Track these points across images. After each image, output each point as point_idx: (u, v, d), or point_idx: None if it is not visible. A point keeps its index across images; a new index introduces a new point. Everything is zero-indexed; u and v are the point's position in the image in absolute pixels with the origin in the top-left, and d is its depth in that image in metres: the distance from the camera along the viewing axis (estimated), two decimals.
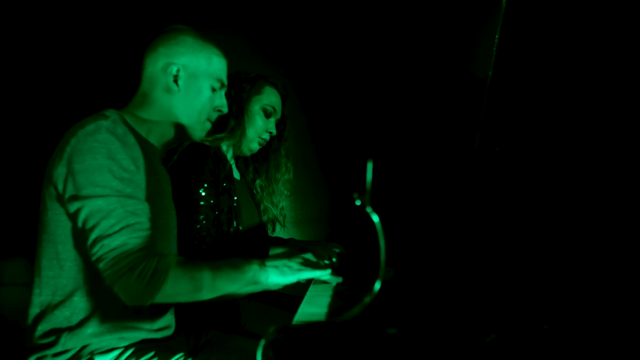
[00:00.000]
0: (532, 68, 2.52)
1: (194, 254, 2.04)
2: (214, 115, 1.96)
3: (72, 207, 1.54)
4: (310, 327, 1.17)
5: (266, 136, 2.46)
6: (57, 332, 1.61)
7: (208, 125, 1.95)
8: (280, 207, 2.66)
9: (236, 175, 2.52)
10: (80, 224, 1.53)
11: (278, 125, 2.55)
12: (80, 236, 1.58)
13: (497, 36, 2.50)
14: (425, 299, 1.59)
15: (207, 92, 1.89)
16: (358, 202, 1.20)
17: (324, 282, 2.06)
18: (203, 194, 2.12)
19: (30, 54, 2.72)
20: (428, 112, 3.27)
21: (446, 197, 2.56)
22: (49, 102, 2.76)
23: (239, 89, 2.41)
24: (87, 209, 1.51)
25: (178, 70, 1.83)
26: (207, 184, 2.14)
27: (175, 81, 1.83)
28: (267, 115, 2.43)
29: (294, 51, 3.46)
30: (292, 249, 2.34)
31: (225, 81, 1.95)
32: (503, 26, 2.51)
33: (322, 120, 3.58)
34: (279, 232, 2.71)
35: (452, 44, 3.16)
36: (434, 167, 3.04)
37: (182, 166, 2.15)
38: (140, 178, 1.62)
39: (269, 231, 2.65)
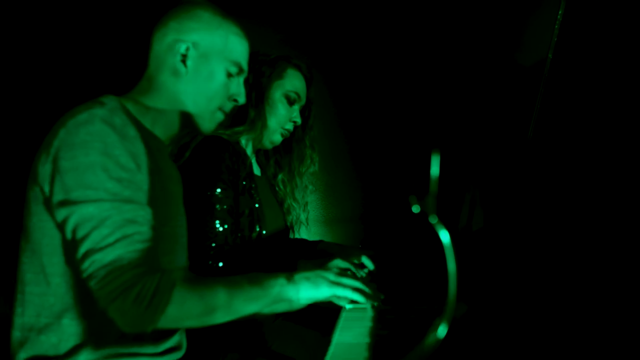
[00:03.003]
0: (600, 51, 2.24)
1: (210, 267, 1.83)
2: (229, 106, 1.70)
3: (60, 213, 1.30)
4: None
5: (290, 126, 2.24)
6: None
7: (219, 116, 1.70)
8: (304, 203, 2.44)
9: (256, 171, 2.30)
10: (69, 234, 1.29)
11: (302, 112, 2.32)
12: (70, 248, 1.33)
13: (560, 12, 2.20)
14: (504, 338, 1.29)
15: (220, 77, 1.64)
16: (416, 209, 0.87)
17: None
18: (220, 196, 1.91)
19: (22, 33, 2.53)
20: (476, 102, 3.07)
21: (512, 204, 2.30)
22: (45, 86, 2.55)
23: (257, 74, 2.19)
24: (76, 216, 1.26)
25: (187, 49, 1.58)
26: (225, 184, 1.93)
27: (184, 62, 1.59)
28: (291, 102, 2.21)
29: (324, 41, 3.34)
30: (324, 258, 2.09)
31: (245, 66, 1.70)
32: (567, 1, 2.23)
33: (355, 114, 3.47)
34: (303, 233, 2.51)
35: (501, 21, 2.97)
36: (488, 165, 2.79)
37: (195, 164, 1.94)
38: (142, 178, 1.37)
39: (293, 233, 2.44)
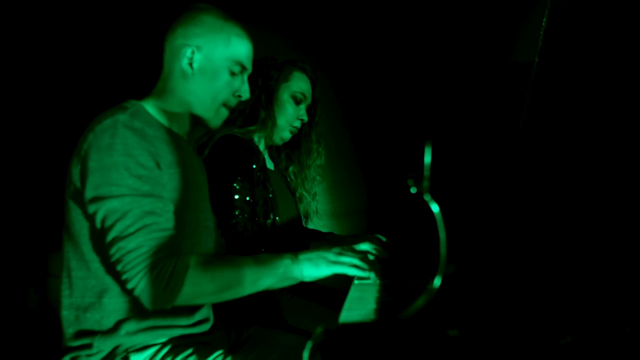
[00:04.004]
0: (580, 54, 2.42)
1: (232, 250, 1.99)
2: (233, 101, 1.82)
3: (90, 208, 1.47)
4: (361, 327, 1.06)
5: (297, 124, 2.40)
6: (89, 335, 1.55)
7: (224, 112, 1.82)
8: (313, 192, 2.59)
9: (270, 165, 2.47)
10: (98, 224, 1.46)
11: (308, 110, 2.46)
12: (101, 237, 1.50)
13: (544, 19, 2.39)
14: (489, 295, 1.47)
15: (224, 76, 1.76)
16: (413, 190, 1.10)
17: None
18: (237, 187, 2.08)
19: (58, 41, 2.69)
20: (471, 100, 3.20)
21: (506, 184, 2.46)
22: (84, 89, 2.72)
23: (266, 77, 2.34)
24: (103, 210, 1.44)
25: (192, 53, 1.71)
26: (241, 177, 2.10)
27: (190, 64, 1.72)
28: (297, 102, 2.37)
29: (330, 45, 3.44)
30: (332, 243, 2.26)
31: (247, 64, 1.81)
32: (550, 10, 2.41)
33: (360, 114, 3.56)
34: (315, 222, 2.67)
35: (495, 29, 3.10)
36: (482, 153, 2.95)
37: (214, 160, 2.10)
38: (160, 174, 1.53)
39: (304, 221, 2.59)
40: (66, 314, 1.58)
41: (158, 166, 1.52)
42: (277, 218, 2.24)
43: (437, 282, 1.07)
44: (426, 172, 1.04)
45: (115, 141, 1.45)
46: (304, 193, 2.54)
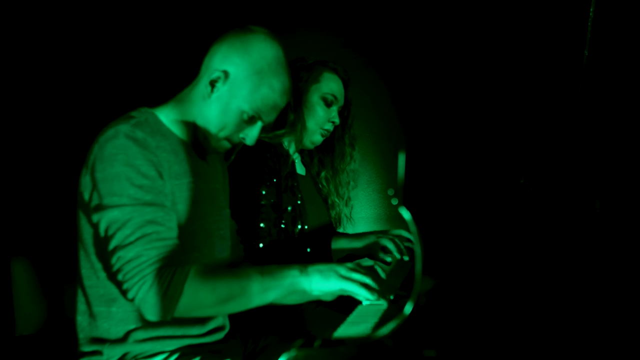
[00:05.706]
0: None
1: (253, 256, 1.98)
2: (236, 139, 1.73)
3: (94, 217, 1.48)
4: (338, 343, 1.01)
5: (329, 126, 2.35)
6: (100, 343, 1.58)
7: (225, 144, 1.74)
8: (346, 198, 2.54)
9: (301, 170, 2.42)
10: (102, 234, 1.47)
11: (341, 112, 2.41)
12: (104, 247, 1.50)
13: (591, 9, 2.26)
14: (469, 315, 1.38)
15: (235, 116, 1.67)
16: (394, 201, 1.03)
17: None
18: (264, 192, 2.06)
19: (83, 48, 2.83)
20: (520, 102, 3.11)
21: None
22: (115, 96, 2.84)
23: (295, 79, 2.26)
24: (105, 220, 1.45)
25: (218, 79, 1.64)
26: (268, 183, 2.08)
27: (212, 87, 1.65)
28: (328, 104, 2.31)
29: (384, 43, 3.40)
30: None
31: (266, 118, 1.71)
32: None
33: (416, 114, 3.45)
34: (349, 228, 2.62)
35: (541, 28, 2.97)
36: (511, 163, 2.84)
37: (241, 165, 2.09)
38: (163, 183, 1.52)
39: (338, 228, 2.55)
40: (80, 320, 1.62)
41: (160, 176, 1.51)
42: (305, 226, 2.22)
43: (409, 305, 1.00)
44: (400, 182, 0.97)
45: (117, 151, 1.45)
46: (336, 200, 2.50)
